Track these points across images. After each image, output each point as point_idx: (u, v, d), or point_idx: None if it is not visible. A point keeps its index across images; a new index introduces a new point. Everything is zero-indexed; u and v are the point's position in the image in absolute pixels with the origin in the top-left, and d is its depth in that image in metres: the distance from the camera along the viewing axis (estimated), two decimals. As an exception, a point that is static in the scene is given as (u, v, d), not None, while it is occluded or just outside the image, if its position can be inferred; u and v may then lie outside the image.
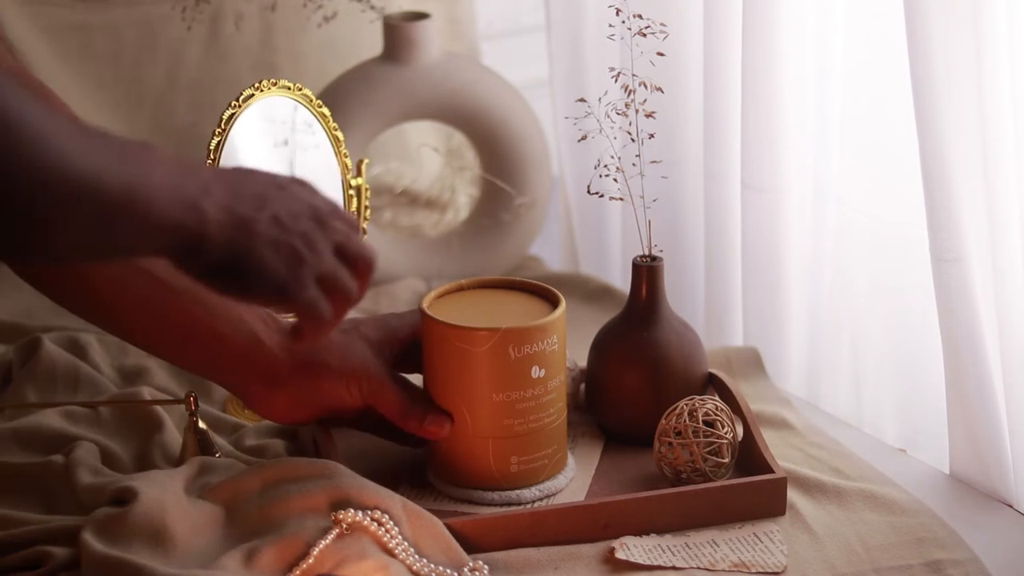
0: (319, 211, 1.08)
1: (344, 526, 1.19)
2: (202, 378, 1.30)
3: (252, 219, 1.04)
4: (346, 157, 1.45)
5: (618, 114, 1.33)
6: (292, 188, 1.08)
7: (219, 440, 1.37)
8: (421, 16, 1.69)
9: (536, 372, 1.26)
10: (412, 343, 1.31)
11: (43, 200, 0.91)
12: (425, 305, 1.27)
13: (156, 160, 0.98)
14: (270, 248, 1.05)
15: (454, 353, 1.25)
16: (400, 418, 1.27)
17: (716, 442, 1.28)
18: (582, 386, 1.41)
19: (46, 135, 0.91)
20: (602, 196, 1.35)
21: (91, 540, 1.16)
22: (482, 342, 1.24)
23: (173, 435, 1.37)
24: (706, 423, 1.29)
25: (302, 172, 1.45)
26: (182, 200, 0.99)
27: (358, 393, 1.26)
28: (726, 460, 1.29)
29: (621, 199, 1.37)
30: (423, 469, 1.32)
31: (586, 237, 1.81)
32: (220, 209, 1.01)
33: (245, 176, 1.06)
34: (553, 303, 1.28)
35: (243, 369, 1.25)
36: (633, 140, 1.33)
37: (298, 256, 1.06)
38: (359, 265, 1.10)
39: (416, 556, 1.19)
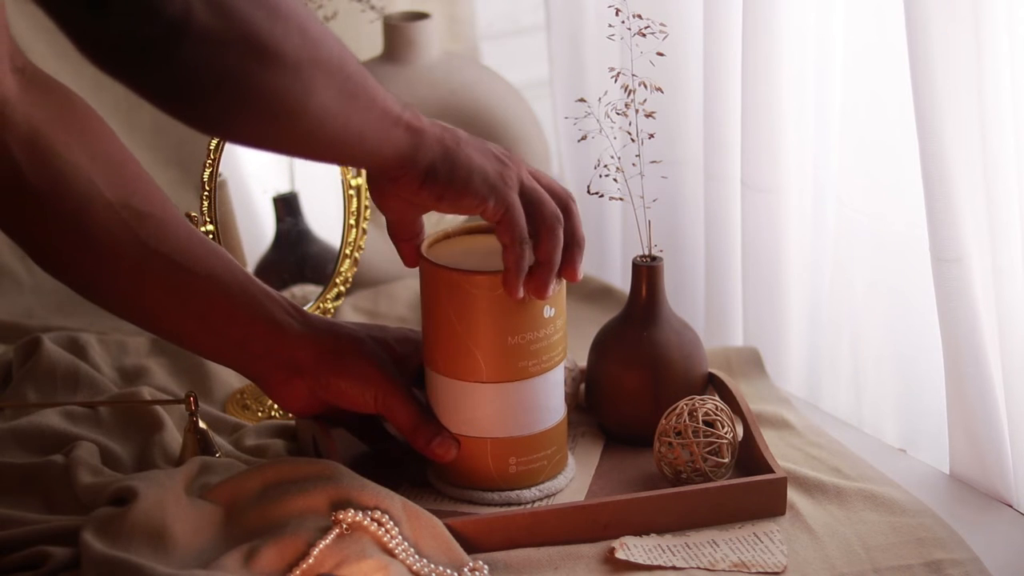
0: (503, 151, 1.19)
1: (344, 526, 1.19)
2: (225, 366, 1.30)
3: (453, 129, 1.16)
4: (346, 157, 1.44)
5: (618, 114, 1.33)
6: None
7: (219, 440, 1.37)
8: (421, 16, 1.69)
9: (547, 312, 1.25)
10: None
11: (310, 64, 1.03)
12: (424, 254, 1.25)
13: (368, 72, 1.10)
14: (477, 151, 1.17)
15: (466, 300, 1.22)
16: (411, 432, 1.27)
17: (716, 442, 1.28)
18: (582, 386, 1.41)
19: (308, 20, 1.03)
20: (602, 196, 1.35)
21: (91, 540, 1.16)
22: (496, 286, 1.22)
23: (173, 435, 1.37)
24: (706, 423, 1.29)
25: (302, 172, 1.46)
26: (397, 100, 1.12)
27: (372, 399, 1.26)
28: (726, 460, 1.29)
29: (621, 199, 1.37)
30: (423, 469, 1.32)
31: (586, 237, 1.80)
32: (425, 118, 1.14)
33: None
34: None
35: (262, 355, 1.25)
36: (633, 140, 1.33)
37: (500, 161, 1.17)
38: (558, 193, 1.19)
39: (416, 556, 1.19)
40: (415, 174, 1.15)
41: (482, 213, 1.18)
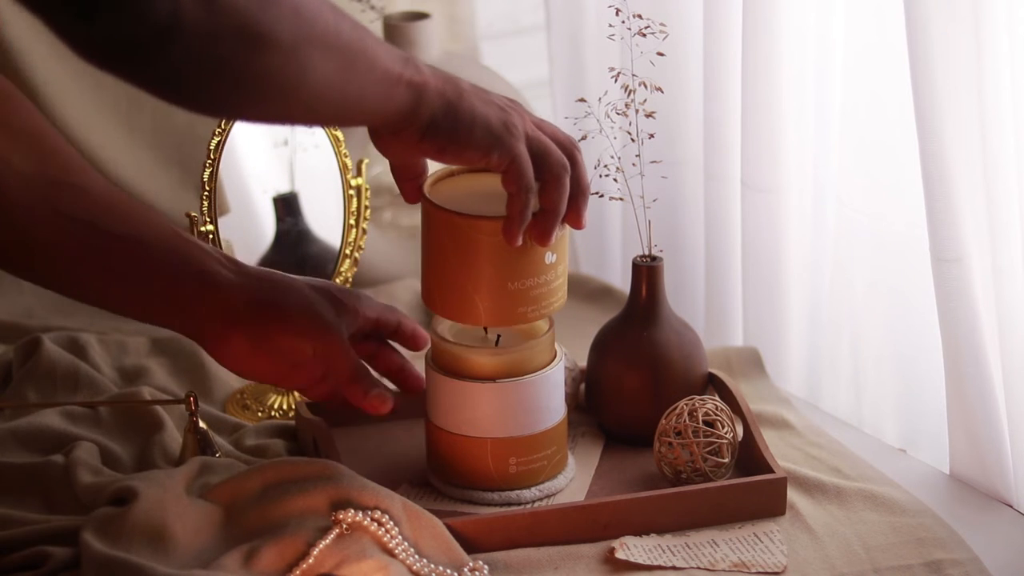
0: (508, 100, 1.17)
1: (344, 526, 1.19)
2: (155, 326, 1.28)
3: (456, 79, 1.15)
4: (346, 157, 1.45)
5: (618, 114, 1.33)
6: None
7: (219, 440, 1.37)
8: (421, 16, 1.69)
9: (549, 258, 1.23)
10: (372, 329, 1.29)
11: (306, 43, 1.02)
12: (427, 194, 1.23)
13: (368, 31, 1.09)
14: (480, 102, 1.15)
15: (467, 243, 1.21)
16: (348, 383, 1.25)
17: (716, 442, 1.28)
18: (582, 386, 1.41)
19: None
20: (602, 196, 1.35)
21: (91, 540, 1.16)
22: (498, 231, 1.20)
23: (173, 435, 1.37)
24: (706, 423, 1.29)
25: (302, 172, 1.45)
26: (398, 57, 1.11)
27: (310, 349, 1.24)
28: (726, 460, 1.29)
29: (621, 199, 1.37)
30: (423, 469, 1.32)
31: (586, 237, 1.81)
32: (427, 69, 1.13)
33: None
34: None
35: (195, 309, 1.22)
36: (633, 140, 1.33)
37: (505, 110, 1.15)
38: (563, 141, 1.17)
39: (416, 556, 1.19)
40: (416, 127, 1.14)
41: (487, 164, 1.17)
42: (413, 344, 1.32)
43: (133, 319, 1.28)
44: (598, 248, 1.80)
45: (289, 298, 1.23)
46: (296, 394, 1.47)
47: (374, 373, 1.29)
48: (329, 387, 1.27)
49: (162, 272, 1.22)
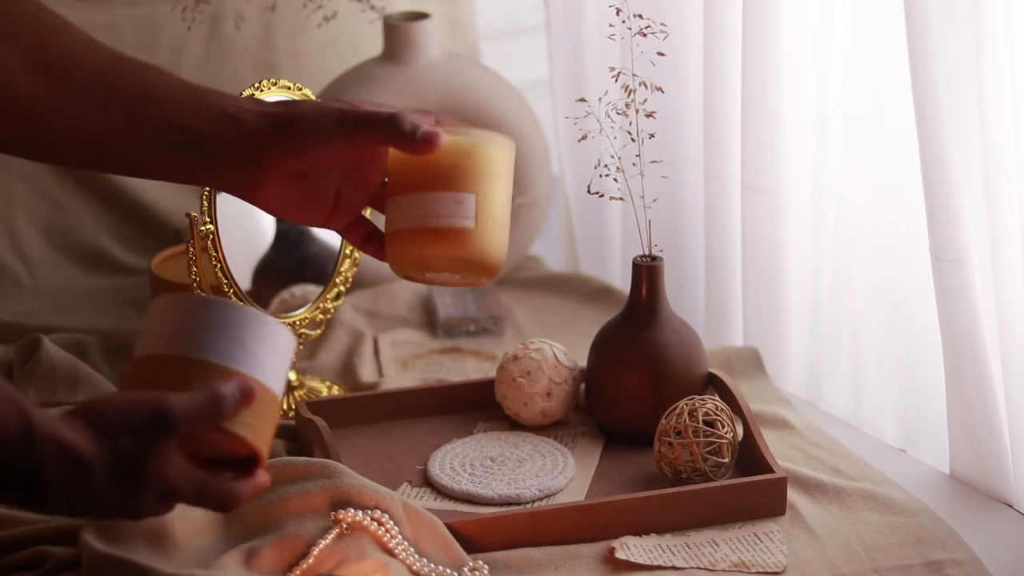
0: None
1: (344, 526, 1.19)
2: (191, 184, 1.27)
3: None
4: (346, 157, 1.44)
5: (618, 114, 1.33)
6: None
7: (219, 440, 1.37)
8: (421, 16, 1.69)
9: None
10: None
11: None
12: None
13: None
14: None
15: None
16: (390, 132, 1.20)
17: (716, 442, 1.28)
18: (582, 386, 1.41)
19: None
20: (602, 196, 1.35)
21: (91, 540, 1.16)
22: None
23: (173, 435, 1.37)
24: (706, 423, 1.29)
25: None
26: None
27: (337, 130, 1.19)
28: (726, 460, 1.29)
29: (621, 199, 1.37)
30: (423, 469, 1.32)
31: (586, 237, 1.81)
32: None
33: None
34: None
35: (222, 152, 1.20)
36: (633, 140, 1.33)
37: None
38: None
39: (416, 556, 1.19)
40: None
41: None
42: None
43: (164, 180, 1.26)
44: (598, 248, 1.80)
45: (303, 108, 1.21)
46: (296, 394, 1.46)
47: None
48: (368, 228, 1.26)
49: (183, 126, 1.20)
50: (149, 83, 1.20)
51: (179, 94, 1.20)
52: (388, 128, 1.19)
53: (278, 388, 1.08)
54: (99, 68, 1.20)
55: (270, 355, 1.07)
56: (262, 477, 1.07)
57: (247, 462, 1.06)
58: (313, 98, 1.42)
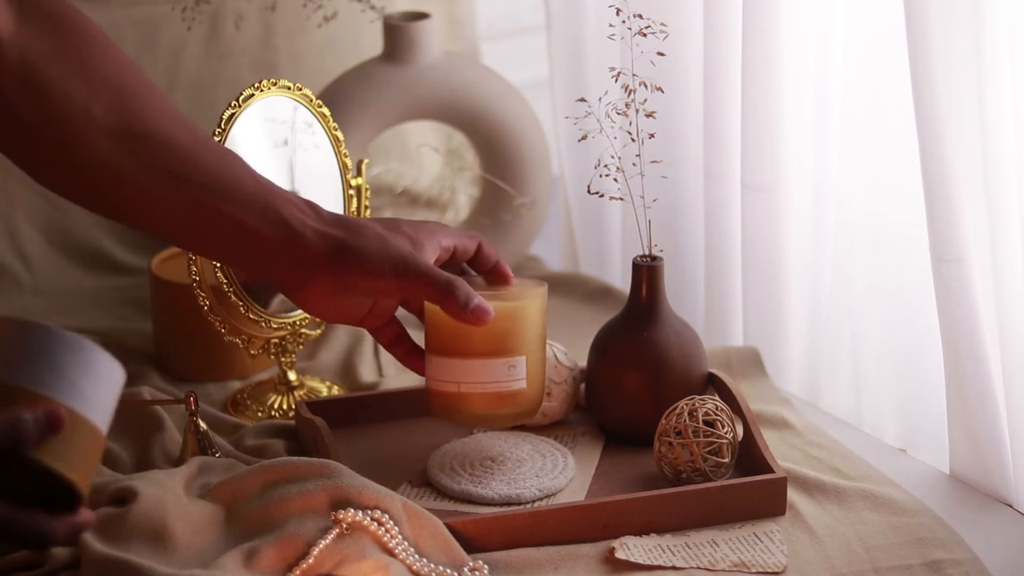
0: None
1: (344, 526, 1.19)
2: (244, 273, 1.31)
3: None
4: (346, 157, 1.45)
5: (618, 114, 1.33)
6: None
7: (219, 440, 1.37)
8: (421, 16, 1.69)
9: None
10: (450, 259, 1.30)
11: None
12: None
13: None
14: None
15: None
16: (442, 298, 1.23)
17: (716, 442, 1.28)
18: (582, 386, 1.41)
19: None
20: (602, 196, 1.35)
21: (91, 540, 1.16)
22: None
23: (173, 435, 1.37)
24: (706, 423, 1.29)
25: (302, 172, 1.46)
26: None
27: (393, 280, 1.23)
28: (726, 460, 1.29)
29: (621, 199, 1.37)
30: (423, 469, 1.32)
31: (586, 237, 1.81)
32: None
33: None
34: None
35: (276, 259, 1.24)
36: (633, 140, 1.33)
37: None
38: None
39: (416, 556, 1.19)
40: None
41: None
42: (494, 277, 1.32)
43: (218, 262, 1.33)
44: (598, 248, 1.80)
45: (365, 239, 1.24)
46: (296, 394, 1.47)
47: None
48: (408, 344, 1.31)
49: (245, 225, 1.23)
50: (222, 173, 1.23)
51: (247, 190, 1.23)
52: (443, 293, 1.23)
53: (100, 419, 1.02)
54: (176, 145, 1.22)
55: (92, 385, 1.01)
56: (84, 515, 1.02)
57: (70, 499, 1.01)
58: (313, 96, 1.42)
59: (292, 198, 1.24)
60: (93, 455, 1.02)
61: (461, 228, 1.74)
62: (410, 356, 1.31)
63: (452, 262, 1.31)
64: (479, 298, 1.24)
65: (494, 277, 1.32)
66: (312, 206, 1.25)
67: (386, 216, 1.28)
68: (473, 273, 1.32)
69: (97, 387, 1.02)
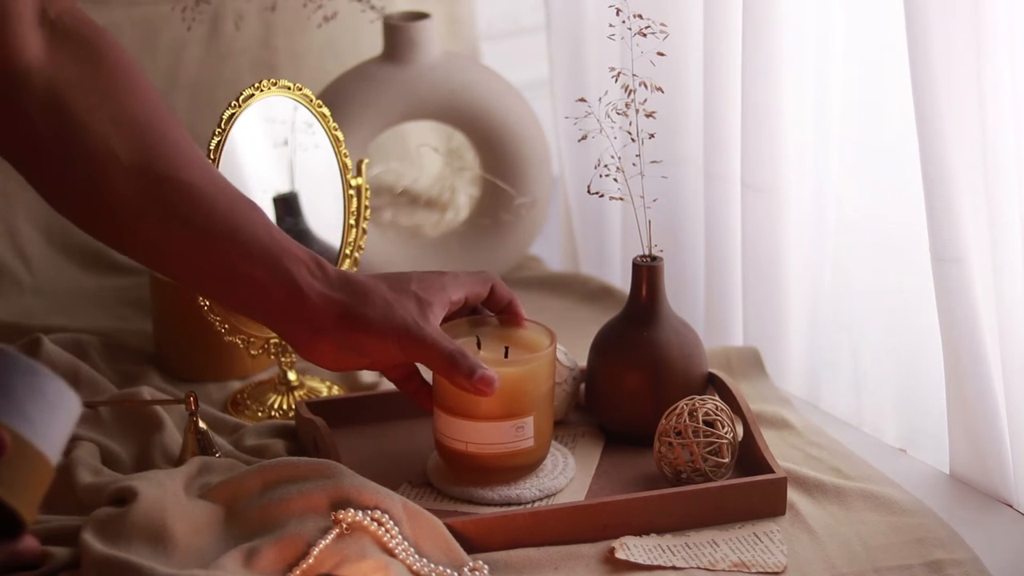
0: None
1: (344, 526, 1.19)
2: (253, 321, 1.33)
3: None
4: (346, 157, 1.45)
5: (618, 114, 1.33)
6: None
7: (219, 440, 1.37)
8: (421, 16, 1.68)
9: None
10: (463, 307, 1.31)
11: None
12: None
13: None
14: None
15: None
16: (447, 370, 1.24)
17: (716, 442, 1.28)
18: (582, 386, 1.41)
19: None
20: (602, 196, 1.35)
21: (91, 540, 1.16)
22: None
23: (173, 435, 1.37)
24: (706, 423, 1.29)
25: (302, 172, 1.46)
26: None
27: (397, 349, 1.25)
28: (726, 460, 1.29)
29: (621, 199, 1.37)
30: (423, 469, 1.32)
31: (586, 237, 1.81)
32: None
33: None
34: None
35: (284, 316, 1.25)
36: (633, 140, 1.33)
37: None
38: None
39: (416, 556, 1.19)
40: None
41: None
42: (507, 318, 1.33)
43: (232, 310, 1.35)
44: (598, 248, 1.80)
45: (371, 306, 1.25)
46: (296, 394, 1.47)
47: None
48: (418, 381, 1.31)
49: (255, 279, 1.24)
50: (238, 223, 1.24)
51: (261, 244, 1.24)
52: (447, 365, 1.24)
53: (49, 447, 0.98)
54: (194, 191, 1.23)
55: (41, 412, 0.98)
56: (27, 542, 1.00)
57: (13, 526, 0.98)
58: (313, 96, 1.42)
59: (302, 255, 1.25)
60: (39, 483, 0.98)
61: (461, 228, 1.74)
62: (420, 393, 1.32)
63: (464, 308, 1.31)
64: (484, 368, 1.24)
65: (507, 318, 1.32)
66: (321, 264, 1.26)
67: (395, 272, 1.30)
68: (488, 313, 1.33)
69: (47, 414, 0.98)
